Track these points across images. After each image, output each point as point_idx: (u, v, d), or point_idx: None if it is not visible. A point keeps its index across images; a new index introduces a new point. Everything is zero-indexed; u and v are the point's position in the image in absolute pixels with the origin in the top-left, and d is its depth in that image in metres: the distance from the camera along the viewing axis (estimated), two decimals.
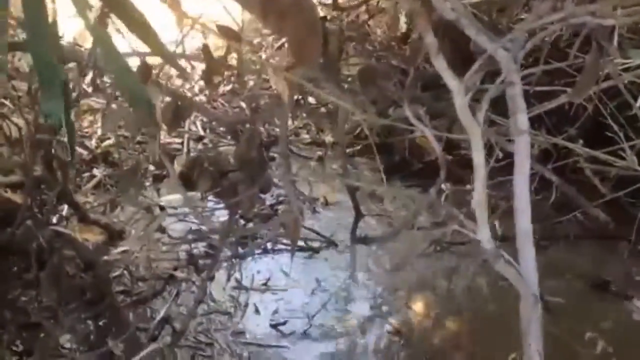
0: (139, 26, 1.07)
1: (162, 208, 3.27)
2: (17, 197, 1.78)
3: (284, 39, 3.51)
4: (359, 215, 2.39)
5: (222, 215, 3.75)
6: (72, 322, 2.11)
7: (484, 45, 1.14)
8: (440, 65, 0.97)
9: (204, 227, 3.42)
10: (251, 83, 4.49)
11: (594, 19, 0.99)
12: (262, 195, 2.03)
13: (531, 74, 1.49)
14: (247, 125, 1.78)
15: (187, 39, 2.72)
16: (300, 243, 3.62)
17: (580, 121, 2.11)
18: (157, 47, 1.10)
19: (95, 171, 3.79)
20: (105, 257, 2.92)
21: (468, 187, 3.08)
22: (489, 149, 2.49)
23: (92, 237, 3.17)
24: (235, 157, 1.71)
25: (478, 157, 0.97)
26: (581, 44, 1.75)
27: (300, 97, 2.57)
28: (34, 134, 1.78)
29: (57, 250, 1.78)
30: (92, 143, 3.90)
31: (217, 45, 2.13)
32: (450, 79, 0.96)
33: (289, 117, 1.50)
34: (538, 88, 1.60)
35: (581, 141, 1.97)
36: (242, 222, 3.57)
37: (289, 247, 3.61)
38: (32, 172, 1.82)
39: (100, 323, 2.21)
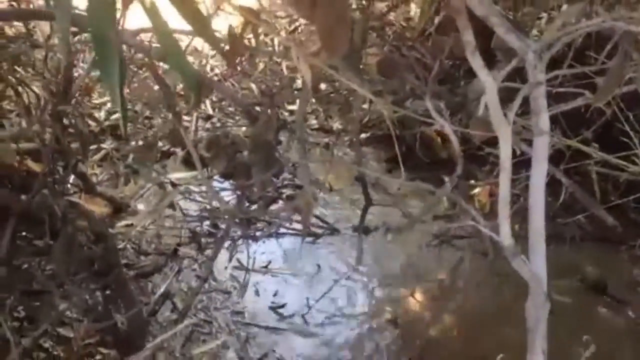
0: (183, 2, 1.08)
1: (173, 185, 3.28)
2: (35, 166, 1.80)
3: (303, 24, 3.52)
4: (368, 203, 2.40)
5: (226, 195, 3.78)
6: (79, 292, 2.13)
7: (512, 44, 1.14)
8: (477, 62, 0.98)
9: (211, 206, 3.44)
10: (261, 65, 4.49)
11: (625, 25, 0.99)
12: (274, 179, 2.05)
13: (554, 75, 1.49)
14: (265, 108, 1.79)
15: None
16: (300, 228, 3.64)
17: (597, 125, 2.12)
18: (203, 28, 1.12)
19: (103, 144, 3.80)
20: (110, 230, 2.93)
21: (473, 182, 3.12)
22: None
23: (97, 209, 3.18)
24: (251, 139, 1.72)
25: (505, 152, 0.98)
26: (600, 47, 1.75)
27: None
28: (55, 104, 1.79)
29: (71, 220, 1.80)
30: (101, 115, 3.90)
31: (235, 26, 2.11)
32: (485, 76, 0.97)
33: (309, 101, 1.50)
34: (559, 89, 1.60)
35: (594, 145, 1.98)
36: (247, 203, 3.58)
37: (291, 231, 3.64)
38: (50, 141, 1.83)
39: (107, 295, 2.23)
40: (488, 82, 0.95)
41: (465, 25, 0.95)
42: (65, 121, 1.99)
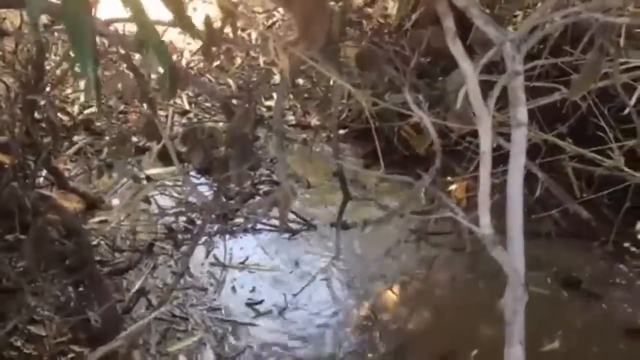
0: None
1: (148, 179, 3.23)
2: (4, 157, 1.74)
3: (281, 20, 3.49)
4: (347, 198, 2.39)
5: (203, 191, 3.74)
6: (51, 288, 2.08)
7: (491, 35, 1.14)
8: (457, 49, 0.98)
9: (187, 201, 3.40)
10: (239, 61, 4.45)
11: (602, 16, 1.00)
12: (252, 173, 2.02)
13: (530, 70, 1.50)
14: (241, 102, 1.76)
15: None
16: (277, 223, 3.62)
17: (572, 119, 2.14)
18: (182, 16, 1.09)
19: (76, 138, 3.73)
20: (84, 226, 2.88)
21: (450, 178, 3.13)
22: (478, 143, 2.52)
23: (70, 204, 3.11)
24: (228, 133, 1.70)
25: (485, 143, 0.97)
26: (576, 43, 1.77)
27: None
28: (25, 94, 1.74)
29: (41, 213, 1.75)
30: (74, 109, 3.82)
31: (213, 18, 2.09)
32: (465, 63, 0.96)
33: (287, 95, 1.49)
34: (536, 84, 1.61)
35: (569, 140, 2.00)
36: (223, 199, 3.55)
37: (269, 227, 3.62)
38: (20, 133, 1.78)
39: (80, 291, 2.18)
40: (468, 69, 0.95)
41: (445, 12, 0.94)
42: (37, 113, 1.94)
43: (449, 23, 0.96)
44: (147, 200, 3.17)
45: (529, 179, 2.84)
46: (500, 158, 1.54)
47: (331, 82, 2.99)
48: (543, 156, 2.26)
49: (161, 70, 1.38)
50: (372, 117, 1.67)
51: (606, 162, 1.72)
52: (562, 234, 3.61)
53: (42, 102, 1.92)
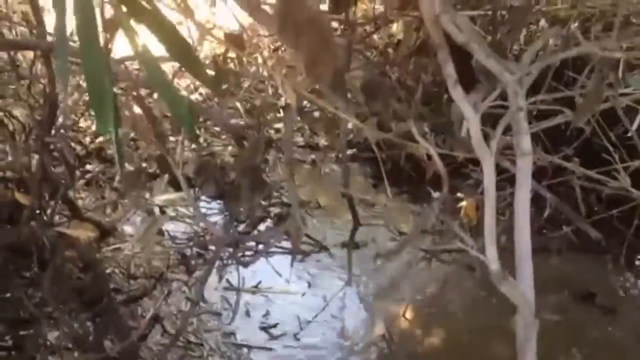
0: (167, 32, 1.09)
1: (162, 211, 3.28)
2: (21, 198, 1.79)
3: (288, 48, 3.53)
4: (356, 224, 2.42)
5: (214, 215, 3.78)
6: (69, 322, 2.11)
7: (493, 70, 1.17)
8: (458, 95, 1.00)
9: (199, 228, 3.43)
10: (246, 84, 4.52)
11: (600, 52, 1.02)
12: (262, 202, 2.05)
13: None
14: (252, 132, 1.80)
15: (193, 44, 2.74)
16: (289, 246, 3.65)
17: (577, 141, 2.16)
18: (185, 56, 1.12)
19: (89, 167, 3.79)
20: (97, 255, 2.92)
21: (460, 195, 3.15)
22: None
23: (84, 233, 3.16)
24: (239, 163, 1.73)
25: (489, 181, 1.00)
26: (578, 65, 1.79)
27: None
28: (40, 132, 1.78)
29: (59, 251, 1.78)
30: (87, 139, 3.89)
31: (219, 49, 2.13)
32: (467, 109, 0.99)
33: (294, 123, 1.52)
34: (541, 107, 1.64)
35: (576, 159, 2.01)
36: (235, 223, 3.58)
37: (280, 250, 3.64)
38: (37, 170, 1.82)
39: (97, 323, 2.21)
40: (470, 113, 0.98)
41: (445, 59, 0.97)
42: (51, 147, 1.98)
43: (450, 70, 0.99)
44: (160, 232, 3.21)
45: (539, 198, 2.87)
46: (508, 180, 1.56)
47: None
48: (551, 174, 2.27)
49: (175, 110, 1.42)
50: (376, 145, 1.70)
51: (612, 183, 1.73)
52: (574, 249, 3.61)
53: (57, 141, 1.97)
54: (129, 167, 2.28)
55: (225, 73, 1.49)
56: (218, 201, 3.53)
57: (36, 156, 2.06)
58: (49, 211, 2.04)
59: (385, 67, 2.32)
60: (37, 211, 1.84)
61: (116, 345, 2.06)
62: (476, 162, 2.64)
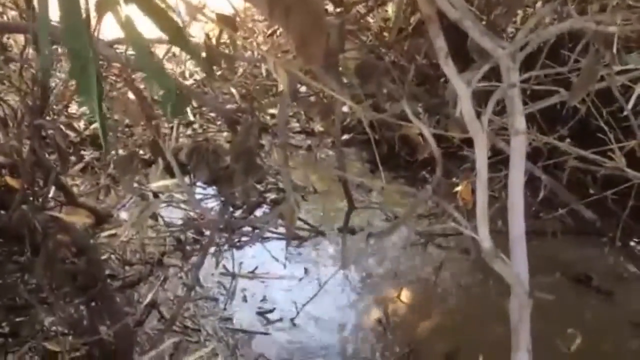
0: (157, 13, 1.07)
1: (155, 195, 3.27)
2: (13, 182, 1.77)
3: (282, 31, 3.50)
4: (351, 207, 2.41)
5: (210, 201, 3.77)
6: (64, 307, 2.11)
7: (486, 46, 1.16)
8: (450, 70, 0.99)
9: (194, 214, 3.42)
10: (241, 70, 4.48)
11: (595, 27, 1.01)
12: (257, 185, 2.04)
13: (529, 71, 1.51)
14: (246, 116, 1.79)
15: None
16: (285, 231, 3.64)
17: (572, 121, 2.15)
18: (176, 35, 1.11)
19: (83, 153, 3.77)
20: (92, 241, 2.91)
21: (455, 179, 3.14)
22: None
23: (79, 220, 3.15)
24: (232, 147, 1.72)
25: (481, 159, 0.99)
26: (573, 43, 1.77)
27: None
28: (32, 117, 1.77)
29: (51, 235, 1.77)
30: (81, 125, 3.86)
31: (213, 32, 2.11)
32: (458, 84, 0.98)
33: (288, 107, 1.51)
34: (535, 87, 1.62)
35: (568, 140, 2.00)
36: (231, 208, 3.57)
37: (277, 235, 3.64)
38: (29, 155, 1.81)
39: (92, 308, 2.21)
40: (462, 89, 0.96)
41: (436, 33, 0.96)
42: (43, 134, 1.96)
43: (441, 43, 0.98)
44: (154, 216, 3.20)
45: (534, 181, 2.85)
46: (503, 161, 1.55)
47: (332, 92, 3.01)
48: (546, 157, 2.26)
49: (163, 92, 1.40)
50: (372, 128, 1.68)
51: (608, 163, 1.72)
52: (570, 232, 3.62)
53: (49, 125, 1.95)
54: (122, 153, 2.26)
55: (217, 54, 1.47)
56: (213, 187, 3.51)
57: (28, 142, 2.05)
58: (41, 196, 2.02)
59: (379, 49, 2.30)
60: (29, 196, 1.84)
61: (111, 329, 2.05)
62: (471, 144, 2.64)
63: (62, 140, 1.89)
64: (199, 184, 3.63)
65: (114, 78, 2.85)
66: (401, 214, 3.78)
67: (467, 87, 0.95)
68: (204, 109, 4.13)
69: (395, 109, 1.68)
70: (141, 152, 3.72)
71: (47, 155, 2.18)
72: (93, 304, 2.14)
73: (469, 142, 2.62)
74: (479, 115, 1.20)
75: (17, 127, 1.87)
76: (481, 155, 0.98)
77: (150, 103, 1.47)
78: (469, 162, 3.28)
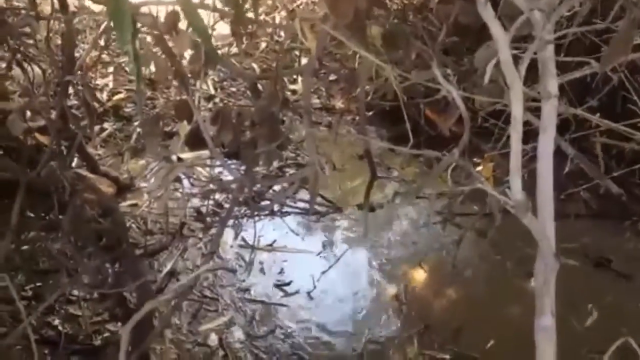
0: None
1: (179, 159, 3.29)
2: (43, 138, 1.80)
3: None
4: (374, 176, 2.41)
5: (229, 176, 3.79)
6: (88, 266, 2.14)
7: (520, 4, 1.14)
8: (489, 14, 0.98)
9: (216, 183, 3.45)
10: (263, 45, 4.48)
11: None
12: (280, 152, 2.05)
13: (559, 45, 1.49)
14: (269, 82, 1.79)
15: None
16: (306, 206, 3.66)
17: (602, 93, 2.11)
18: None
19: (106, 124, 3.80)
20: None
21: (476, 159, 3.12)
22: (507, 118, 2.50)
23: (102, 188, 3.19)
24: (256, 112, 1.72)
25: (517, 109, 0.98)
26: (607, 13, 1.74)
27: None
28: (60, 76, 1.78)
29: (78, 192, 1.80)
30: (104, 96, 3.89)
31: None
32: (497, 30, 0.96)
33: (314, 72, 1.50)
34: (566, 59, 1.60)
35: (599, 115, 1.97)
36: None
37: (295, 210, 3.65)
38: (57, 112, 1.83)
39: (116, 268, 2.25)
40: (500, 35, 0.95)
41: None
42: (70, 99, 1.98)
43: None
44: (178, 179, 3.22)
45: (557, 158, 2.81)
46: (528, 135, 1.53)
47: (356, 64, 3.00)
48: (572, 132, 2.23)
49: (192, 51, 1.41)
50: (394, 105, 1.66)
51: (636, 134, 1.69)
52: (591, 214, 3.59)
53: (77, 84, 1.97)
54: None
55: (243, 13, 1.47)
56: (234, 161, 3.53)
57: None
58: (68, 156, 2.05)
59: (406, 15, 2.27)
60: (57, 153, 1.86)
61: (135, 291, 2.08)
62: (497, 116, 2.60)
63: (90, 96, 1.91)
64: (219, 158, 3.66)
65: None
66: (421, 193, 3.77)
67: (505, 34, 0.94)
68: (225, 83, 4.14)
69: (421, 77, 1.67)
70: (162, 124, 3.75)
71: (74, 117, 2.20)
72: (117, 264, 2.18)
73: (494, 115, 2.59)
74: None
75: (46, 89, 1.89)
76: (517, 105, 0.97)
77: (178, 60, 1.47)
78: (491, 143, 3.25)
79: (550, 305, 1.27)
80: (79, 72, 2.04)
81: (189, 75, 1.47)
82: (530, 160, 1.34)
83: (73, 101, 3.29)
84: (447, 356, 2.92)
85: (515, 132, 0.95)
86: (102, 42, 3.66)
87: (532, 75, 1.35)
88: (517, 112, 0.95)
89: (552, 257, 1.11)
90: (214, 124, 1.66)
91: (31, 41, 2.57)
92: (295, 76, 4.15)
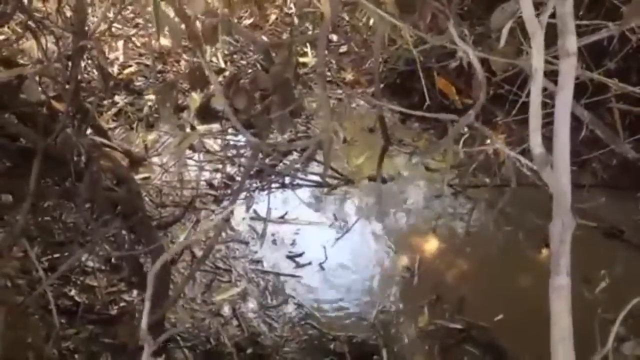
0: None
1: (193, 128, 3.30)
2: (58, 104, 1.81)
3: None
4: (387, 144, 2.40)
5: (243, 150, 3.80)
6: (104, 234, 2.16)
7: None
8: None
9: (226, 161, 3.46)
10: (272, 17, 4.44)
11: None
12: (294, 120, 2.04)
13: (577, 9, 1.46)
14: (282, 49, 1.78)
15: None
16: (317, 179, 3.67)
17: (619, 55, 2.08)
18: None
19: (117, 98, 3.81)
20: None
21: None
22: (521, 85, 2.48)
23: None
24: (270, 78, 1.72)
25: (538, 60, 0.97)
26: None
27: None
28: (76, 42, 1.78)
29: (95, 159, 1.81)
30: (114, 70, 3.89)
31: None
32: None
33: (328, 34, 1.48)
34: (582, 22, 1.57)
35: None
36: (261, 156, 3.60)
37: (307, 182, 3.66)
38: (72, 77, 1.83)
39: (132, 236, 2.27)
40: None
41: None
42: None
43: None
44: (192, 147, 3.23)
45: (571, 125, 2.79)
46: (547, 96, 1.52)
47: (368, 34, 2.98)
48: (588, 97, 2.20)
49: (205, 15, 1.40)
50: (404, 78, 1.64)
51: None
52: (603, 185, 3.57)
53: (90, 51, 1.97)
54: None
55: None
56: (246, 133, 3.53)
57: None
58: (83, 123, 2.06)
59: None
60: (73, 120, 1.87)
61: (151, 257, 2.10)
62: (511, 83, 2.58)
63: (104, 61, 1.90)
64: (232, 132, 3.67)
65: None
66: (433, 166, 3.77)
67: None
68: (235, 56, 4.12)
69: (437, 40, 1.65)
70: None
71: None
72: (133, 232, 2.20)
73: (508, 81, 2.56)
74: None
75: (59, 57, 1.89)
76: (538, 56, 0.96)
77: (193, 21, 1.46)
78: (503, 111, 3.23)
79: (566, 265, 1.27)
80: (91, 39, 2.02)
81: (203, 40, 1.46)
82: (546, 125, 1.33)
83: (85, 75, 3.32)
84: (458, 326, 2.94)
85: (536, 84, 0.94)
86: (111, 14, 3.65)
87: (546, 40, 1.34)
88: (538, 63, 0.95)
89: (569, 215, 1.11)
90: (228, 89, 1.65)
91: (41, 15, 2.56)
92: (305, 48, 4.13)
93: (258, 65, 3.68)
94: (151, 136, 3.60)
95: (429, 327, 2.95)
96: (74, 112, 1.95)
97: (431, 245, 3.39)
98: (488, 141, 2.85)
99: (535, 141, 0.99)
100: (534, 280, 3.03)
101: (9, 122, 1.79)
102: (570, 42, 1.24)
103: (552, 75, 1.33)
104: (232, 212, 2.91)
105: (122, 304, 2.85)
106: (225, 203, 3.41)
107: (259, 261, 3.24)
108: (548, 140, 1.21)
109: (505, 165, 1.63)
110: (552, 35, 1.25)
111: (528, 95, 1.68)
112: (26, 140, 1.81)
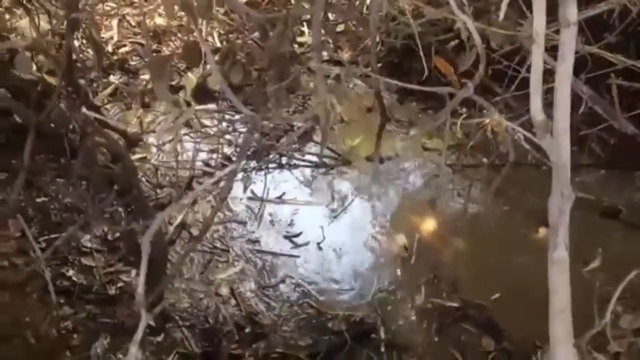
0: None
1: (189, 104, 3.27)
2: (51, 78, 1.78)
3: None
4: (385, 120, 2.39)
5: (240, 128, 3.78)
6: (101, 210, 2.15)
7: None
8: None
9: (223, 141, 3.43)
10: None
11: None
12: (291, 95, 2.02)
13: None
14: (278, 23, 1.75)
15: None
16: (314, 159, 3.65)
17: (619, 28, 2.06)
18: None
19: (112, 78, 3.77)
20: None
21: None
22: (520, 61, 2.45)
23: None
24: (265, 52, 1.70)
25: (539, 22, 0.95)
26: None
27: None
28: (69, 15, 1.75)
29: (89, 135, 1.79)
30: (108, 49, 3.84)
31: None
32: None
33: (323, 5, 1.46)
34: None
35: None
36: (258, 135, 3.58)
37: (304, 162, 3.64)
38: (65, 52, 1.80)
39: (128, 212, 2.26)
40: None
41: None
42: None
43: None
44: (188, 124, 3.21)
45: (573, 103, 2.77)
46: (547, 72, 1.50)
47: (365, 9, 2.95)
48: (588, 72, 2.17)
49: None
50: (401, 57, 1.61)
51: None
52: (601, 164, 3.56)
53: (83, 23, 1.93)
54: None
55: None
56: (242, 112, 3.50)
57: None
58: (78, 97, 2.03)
59: None
60: (66, 94, 1.85)
61: (142, 226, 2.07)
62: (510, 58, 2.56)
63: (97, 34, 1.87)
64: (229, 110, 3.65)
65: None
66: (430, 145, 3.76)
67: None
68: (230, 35, 4.07)
69: (435, 14, 1.63)
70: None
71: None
72: (129, 209, 2.19)
73: (507, 57, 2.54)
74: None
75: (51, 26, 1.86)
76: (539, 17, 0.94)
77: None
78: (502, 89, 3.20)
79: (564, 237, 1.27)
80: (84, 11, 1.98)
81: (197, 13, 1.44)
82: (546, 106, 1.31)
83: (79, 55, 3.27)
84: (455, 304, 2.95)
85: (537, 47, 0.92)
86: None
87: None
88: (540, 25, 0.93)
89: (568, 186, 1.10)
90: (223, 63, 1.63)
91: None
92: (302, 28, 4.09)
93: (254, 44, 3.63)
94: (147, 118, 3.57)
95: (426, 305, 2.96)
96: (68, 88, 1.92)
97: (429, 224, 3.39)
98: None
99: (536, 107, 0.98)
100: (531, 259, 3.03)
101: (1, 97, 1.77)
102: (571, 12, 1.22)
103: (552, 50, 1.32)
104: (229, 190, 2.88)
105: (120, 284, 2.85)
106: (222, 183, 3.38)
107: (256, 241, 3.23)
108: (547, 115, 1.20)
109: (503, 141, 1.62)
110: (551, 13, 1.23)
111: (527, 70, 1.66)
112: (18, 115, 1.78)
